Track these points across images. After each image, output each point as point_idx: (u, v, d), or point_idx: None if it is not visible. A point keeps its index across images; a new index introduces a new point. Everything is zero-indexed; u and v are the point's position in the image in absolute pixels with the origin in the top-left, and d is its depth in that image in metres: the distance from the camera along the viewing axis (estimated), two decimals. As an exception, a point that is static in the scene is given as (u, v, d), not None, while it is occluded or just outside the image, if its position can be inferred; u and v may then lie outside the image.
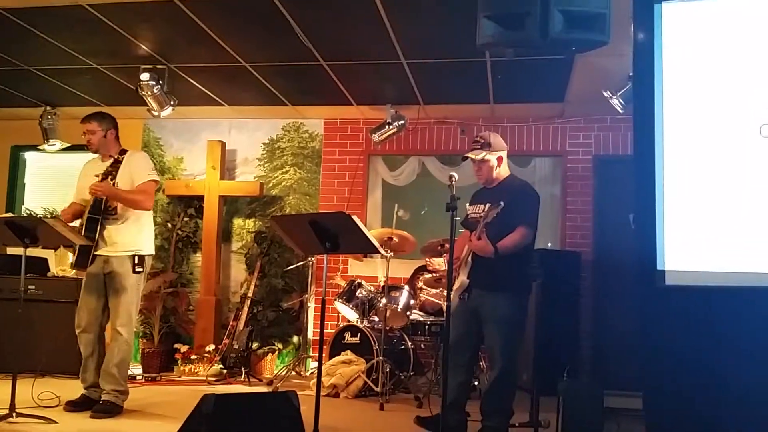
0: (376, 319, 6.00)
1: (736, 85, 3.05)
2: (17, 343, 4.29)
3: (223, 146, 7.25)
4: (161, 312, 6.85)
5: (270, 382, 6.04)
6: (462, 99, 6.51)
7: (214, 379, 6.09)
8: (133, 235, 4.55)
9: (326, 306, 4.02)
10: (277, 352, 6.74)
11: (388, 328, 5.71)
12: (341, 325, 6.13)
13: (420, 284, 6.19)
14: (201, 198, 7.18)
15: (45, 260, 6.34)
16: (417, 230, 6.26)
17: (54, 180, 7.72)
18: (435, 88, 6.17)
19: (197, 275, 7.26)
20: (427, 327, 5.96)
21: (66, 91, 6.58)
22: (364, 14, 4.60)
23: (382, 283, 6.00)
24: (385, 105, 6.63)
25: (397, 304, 5.84)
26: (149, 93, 5.82)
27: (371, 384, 5.43)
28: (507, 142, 4.50)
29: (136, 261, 4.52)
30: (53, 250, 6.39)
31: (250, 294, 6.75)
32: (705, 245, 3.03)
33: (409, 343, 5.95)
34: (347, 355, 5.70)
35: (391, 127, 6.65)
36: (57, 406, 4.46)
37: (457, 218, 3.85)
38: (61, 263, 6.45)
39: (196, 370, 6.35)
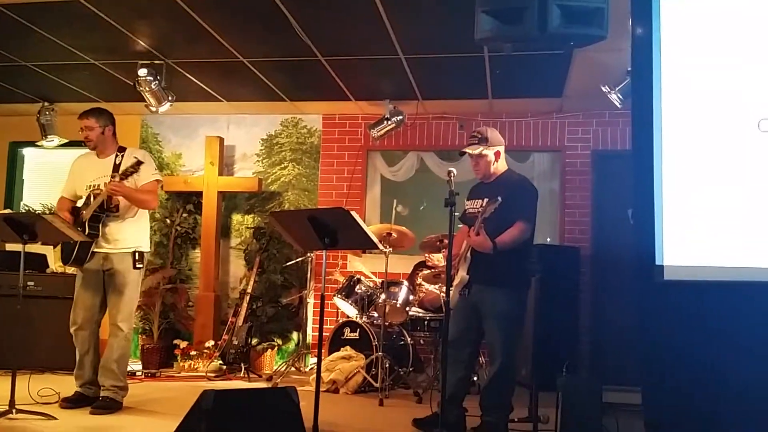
0: (376, 314, 6.01)
1: (734, 80, 3.05)
2: (16, 340, 4.29)
3: (221, 142, 7.25)
4: (160, 308, 6.85)
5: (269, 378, 6.05)
6: (460, 94, 6.50)
7: (213, 375, 6.10)
8: (133, 233, 4.56)
9: (325, 302, 4.01)
10: (276, 348, 6.75)
11: (387, 323, 5.72)
12: (340, 321, 6.13)
13: (419, 280, 6.19)
14: (200, 194, 7.17)
15: (44, 256, 6.34)
16: (416, 226, 6.26)
17: (52, 176, 7.70)
18: (433, 83, 6.16)
19: (196, 271, 7.26)
20: (426, 323, 5.96)
21: (64, 87, 6.57)
22: (362, 10, 4.59)
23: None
24: (384, 100, 6.62)
25: (397, 300, 5.85)
26: (147, 89, 5.82)
27: (370, 379, 5.44)
28: (505, 138, 4.50)
29: (137, 257, 4.53)
30: (52, 247, 6.38)
31: (249, 290, 6.75)
32: (704, 240, 3.03)
33: (409, 339, 5.96)
34: (346, 350, 5.71)
35: (389, 122, 6.65)
36: (56, 402, 4.47)
37: (456, 213, 3.85)
38: (60, 260, 6.44)
39: (195, 366, 6.35)
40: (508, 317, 4.08)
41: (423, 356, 6.50)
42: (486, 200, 3.97)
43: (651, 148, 3.08)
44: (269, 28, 4.99)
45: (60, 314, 4.75)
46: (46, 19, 4.99)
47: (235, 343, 6.36)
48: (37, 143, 7.33)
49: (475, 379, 5.35)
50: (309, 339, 6.89)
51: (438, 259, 5.94)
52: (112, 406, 4.39)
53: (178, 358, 6.46)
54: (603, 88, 5.44)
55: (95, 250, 4.45)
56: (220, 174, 7.18)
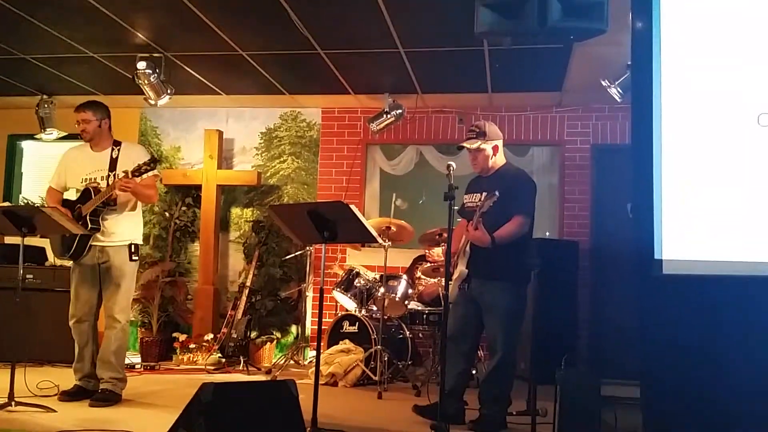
0: (375, 308, 6.01)
1: (734, 75, 3.05)
2: (15, 333, 4.29)
3: (220, 135, 7.24)
4: (159, 301, 6.86)
5: (268, 371, 6.05)
6: (460, 88, 6.49)
7: (212, 367, 6.11)
8: (129, 226, 4.57)
9: (324, 295, 4.02)
10: (275, 341, 6.76)
11: (386, 317, 5.72)
12: (339, 314, 6.14)
13: (418, 274, 6.20)
14: (199, 187, 7.17)
15: (43, 249, 6.33)
16: (415, 219, 6.26)
17: (51, 169, 7.64)
18: (433, 77, 6.15)
19: (195, 264, 7.26)
20: (425, 316, 5.97)
21: (63, 80, 6.56)
22: (361, 3, 4.58)
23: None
24: (383, 94, 6.61)
25: (396, 294, 5.85)
26: (146, 82, 5.81)
27: (369, 373, 5.45)
28: (505, 132, 4.50)
29: (133, 250, 4.55)
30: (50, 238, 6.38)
31: (248, 283, 6.75)
32: (703, 234, 3.03)
33: (408, 333, 5.97)
34: (345, 344, 5.71)
35: (389, 116, 6.64)
36: (56, 395, 4.47)
37: (455, 207, 3.85)
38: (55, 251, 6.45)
39: (194, 359, 6.36)
40: (507, 311, 4.09)
41: (422, 350, 6.51)
42: (484, 194, 3.98)
43: (650, 143, 3.08)
44: (268, 21, 4.97)
45: (59, 307, 4.75)
46: (45, 12, 4.98)
47: (234, 336, 6.37)
48: (35, 136, 7.33)
49: (474, 372, 5.36)
50: (308, 332, 6.90)
51: (437, 253, 5.94)
52: (111, 399, 4.40)
53: (177, 351, 6.46)
54: (603, 82, 5.44)
55: (92, 243, 4.45)
56: (219, 167, 7.18)
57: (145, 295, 6.84)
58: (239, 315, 6.57)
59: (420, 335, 6.60)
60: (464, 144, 4.28)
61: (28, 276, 5.79)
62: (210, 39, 5.30)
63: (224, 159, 7.33)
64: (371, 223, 5.09)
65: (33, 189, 7.68)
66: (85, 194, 4.47)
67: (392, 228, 5.87)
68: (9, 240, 5.85)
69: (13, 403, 4.03)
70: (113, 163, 4.51)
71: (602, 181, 6.70)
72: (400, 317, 6.04)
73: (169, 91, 6.01)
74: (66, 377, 4.66)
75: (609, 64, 5.21)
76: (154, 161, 4.37)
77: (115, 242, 4.50)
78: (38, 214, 4.26)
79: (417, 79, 6.20)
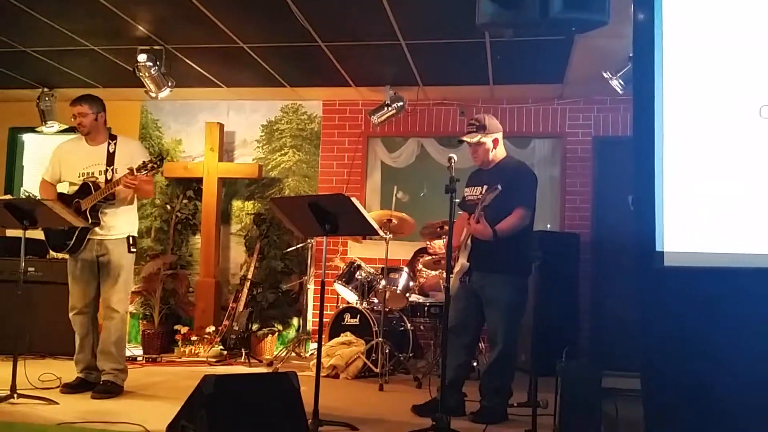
0: (376, 300, 6.02)
1: (736, 66, 3.04)
2: (17, 325, 4.30)
3: (221, 128, 7.23)
4: (161, 294, 6.87)
5: (270, 363, 6.07)
6: (461, 80, 6.48)
7: (214, 360, 6.12)
8: (127, 219, 4.61)
9: (326, 288, 4.03)
10: (276, 334, 6.78)
11: (387, 309, 5.73)
12: (341, 307, 6.15)
13: (419, 266, 6.20)
14: (200, 180, 7.17)
15: (44, 242, 6.32)
16: (416, 212, 6.26)
17: (52, 162, 7.70)
18: (434, 69, 6.14)
19: (196, 257, 7.27)
20: (426, 309, 5.98)
21: (63, 73, 6.55)
22: (362, -6, 4.57)
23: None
24: (384, 86, 6.60)
25: (397, 286, 5.86)
26: (147, 74, 5.80)
27: (371, 365, 5.46)
28: (506, 124, 4.51)
29: (131, 242, 4.58)
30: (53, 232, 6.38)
31: (249, 276, 6.76)
32: (704, 226, 3.03)
33: (409, 325, 5.98)
34: (347, 336, 5.73)
35: (390, 108, 6.63)
36: (57, 387, 4.49)
37: (456, 200, 3.85)
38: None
39: (196, 352, 6.37)
40: (508, 304, 4.10)
41: (423, 342, 6.52)
42: (485, 187, 3.98)
43: (652, 134, 3.07)
44: (269, 13, 4.96)
45: (60, 299, 4.76)
46: (46, 5, 4.97)
47: (236, 328, 6.38)
48: (36, 129, 7.33)
49: (475, 364, 5.37)
50: (309, 325, 6.91)
51: (439, 245, 5.94)
52: (113, 390, 4.42)
53: (179, 343, 6.48)
54: (604, 74, 5.43)
55: (89, 237, 4.47)
56: (220, 160, 7.17)
57: (147, 287, 6.85)
58: (241, 307, 6.58)
59: (421, 327, 6.61)
60: (464, 138, 4.28)
61: (29, 269, 5.81)
62: (210, 31, 5.29)
63: (225, 152, 7.32)
64: (372, 215, 5.08)
65: (34, 182, 7.63)
66: (84, 189, 4.48)
67: (393, 220, 5.88)
68: (10, 233, 5.86)
69: (15, 395, 4.05)
70: (110, 158, 4.52)
71: (603, 173, 6.69)
72: (402, 309, 6.05)
73: (169, 84, 6.01)
74: (68, 369, 4.68)
75: (611, 55, 5.19)
76: (161, 159, 4.41)
77: (114, 235, 4.52)
78: (40, 207, 4.27)
79: (418, 72, 6.19)
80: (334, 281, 6.23)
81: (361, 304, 6.01)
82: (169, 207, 7.30)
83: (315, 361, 3.86)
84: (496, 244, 3.99)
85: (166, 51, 5.78)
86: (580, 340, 6.30)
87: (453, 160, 3.83)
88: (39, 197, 4.73)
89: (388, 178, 7.18)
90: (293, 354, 6.38)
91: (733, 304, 2.96)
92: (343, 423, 3.75)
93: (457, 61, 5.91)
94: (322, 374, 3.89)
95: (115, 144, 4.57)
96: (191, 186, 7.30)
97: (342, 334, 5.77)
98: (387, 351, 5.39)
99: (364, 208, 4.15)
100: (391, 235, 5.79)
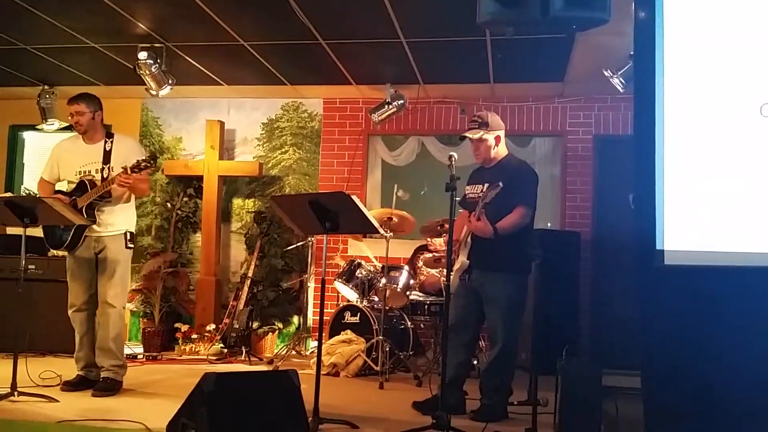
0: (376, 298, 6.02)
1: (737, 65, 3.03)
2: (18, 323, 4.30)
3: (221, 126, 7.23)
4: (161, 292, 6.87)
5: (270, 361, 6.07)
6: (462, 78, 6.47)
7: (214, 358, 6.13)
8: (124, 217, 4.62)
9: (326, 286, 4.03)
10: (277, 332, 6.78)
11: (387, 307, 5.73)
12: (341, 305, 6.15)
13: (420, 264, 6.20)
14: (200, 178, 7.17)
15: (44, 240, 6.33)
16: (417, 210, 6.26)
17: (53, 160, 7.69)
18: (435, 67, 6.13)
19: (197, 255, 7.27)
20: (426, 307, 5.98)
21: (64, 71, 6.55)
22: (363, -8, 4.57)
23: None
24: (385, 84, 6.60)
25: (397, 284, 5.86)
26: (147, 72, 5.80)
27: (371, 363, 5.46)
28: (507, 122, 4.50)
29: (128, 237, 4.59)
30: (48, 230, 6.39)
31: (250, 274, 6.76)
32: (705, 225, 3.03)
33: (409, 323, 5.98)
34: (347, 334, 5.73)
35: (390, 106, 6.63)
36: (58, 385, 4.50)
37: (457, 198, 3.85)
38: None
39: (197, 350, 6.38)
40: (508, 302, 4.10)
41: (423, 340, 6.52)
42: (486, 185, 3.98)
43: (653, 133, 3.07)
44: (269, 11, 4.96)
45: (61, 297, 4.76)
46: (46, 2, 4.96)
47: (236, 326, 6.38)
48: (37, 127, 7.33)
49: (475, 362, 5.37)
50: (310, 323, 6.92)
51: (439, 243, 5.93)
52: (113, 387, 4.43)
53: (180, 341, 6.48)
54: (605, 73, 5.42)
55: (87, 234, 4.48)
56: (221, 158, 7.18)
57: (147, 285, 6.86)
58: (241, 305, 6.59)
59: (421, 326, 6.61)
60: (466, 134, 4.28)
61: (30, 266, 5.82)
62: (211, 29, 5.29)
63: (226, 150, 7.32)
64: (373, 213, 5.08)
65: (34, 180, 7.61)
66: (81, 186, 4.49)
67: (394, 219, 5.87)
68: (11, 231, 5.86)
69: (15, 393, 4.05)
70: (107, 156, 4.53)
71: (604, 171, 6.69)
72: (402, 308, 6.05)
73: (170, 82, 6.01)
74: (68, 367, 4.68)
75: (611, 54, 5.19)
76: (154, 158, 4.40)
77: (111, 232, 4.54)
78: (40, 204, 4.27)
79: (419, 70, 6.18)
80: (335, 279, 6.23)
81: (362, 302, 6.01)
82: (169, 205, 7.30)
83: (315, 359, 3.86)
84: (497, 242, 3.99)
85: (166, 49, 5.78)
86: (580, 339, 6.31)
87: (453, 159, 3.82)
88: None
89: (389, 176, 7.18)
90: (293, 352, 6.38)
91: (734, 303, 2.96)
92: (343, 421, 3.75)
93: (457, 59, 5.90)
94: (322, 372, 3.90)
95: (111, 142, 4.58)
96: (192, 184, 7.30)
97: (342, 333, 5.77)
98: (387, 349, 5.39)
99: (365, 206, 4.15)
100: (391, 233, 5.79)
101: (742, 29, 3.05)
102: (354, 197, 3.65)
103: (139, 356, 6.13)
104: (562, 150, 6.84)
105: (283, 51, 5.87)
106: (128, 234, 4.60)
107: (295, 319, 7.02)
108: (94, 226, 4.49)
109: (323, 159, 7.25)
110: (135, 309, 6.96)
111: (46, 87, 7.04)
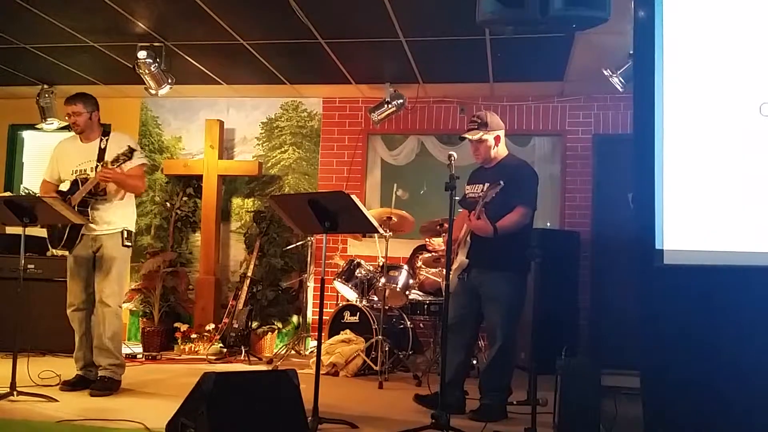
0: (375, 298, 6.02)
1: (736, 64, 3.04)
2: (17, 322, 4.30)
3: (221, 125, 7.23)
4: (161, 291, 6.86)
5: (270, 361, 6.07)
6: (461, 77, 6.47)
7: (214, 357, 6.12)
8: (122, 215, 4.59)
9: (325, 285, 4.02)
10: (276, 331, 6.78)
11: (387, 307, 5.73)
12: (340, 305, 6.15)
13: (419, 264, 6.20)
14: (199, 177, 7.16)
15: (44, 239, 6.30)
16: (416, 210, 6.26)
17: (52, 159, 7.69)
18: (434, 66, 6.13)
19: (196, 255, 7.27)
20: (426, 306, 5.97)
21: (63, 70, 6.54)
22: (362, -8, 4.56)
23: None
24: (384, 84, 6.59)
25: (396, 284, 5.85)
26: (146, 71, 5.80)
27: (370, 363, 5.46)
28: (506, 121, 4.49)
29: (125, 236, 4.57)
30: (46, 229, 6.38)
31: (249, 273, 6.76)
32: (704, 225, 3.03)
33: (408, 323, 5.98)
34: (346, 334, 5.72)
35: (390, 106, 6.62)
36: (57, 384, 4.49)
37: (456, 198, 3.85)
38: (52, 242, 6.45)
39: (196, 349, 6.38)
40: (507, 301, 4.10)
41: (422, 339, 6.52)
42: (487, 185, 3.98)
43: (652, 133, 3.07)
44: (269, 10, 4.95)
45: (60, 297, 4.76)
46: (46, 1, 4.96)
47: (236, 326, 6.38)
48: (36, 126, 7.32)
49: (475, 362, 5.37)
50: (309, 322, 6.91)
51: (438, 243, 5.93)
52: (111, 387, 4.42)
53: (179, 340, 6.48)
54: (605, 72, 5.42)
55: (84, 232, 4.48)
56: (220, 157, 7.17)
57: (147, 285, 6.85)
58: (240, 305, 6.58)
59: (421, 325, 6.61)
60: (466, 135, 4.28)
61: (29, 266, 5.80)
62: (210, 28, 5.29)
63: (225, 149, 7.32)
64: (372, 213, 5.08)
65: (34, 179, 7.65)
66: (74, 185, 4.51)
67: (393, 218, 5.87)
68: (10, 230, 5.86)
69: (14, 392, 4.04)
70: (101, 154, 4.54)
71: (604, 171, 6.69)
72: (401, 307, 6.05)
73: (169, 81, 6.01)
74: (67, 367, 4.68)
75: (611, 53, 5.19)
76: (131, 151, 4.38)
77: (108, 230, 4.52)
78: (39, 204, 4.26)
79: (418, 69, 6.18)
80: (334, 279, 6.22)
81: (361, 301, 6.01)
82: (168, 204, 7.30)
83: (315, 358, 3.85)
84: (496, 241, 3.99)
85: (166, 48, 5.78)
86: (579, 339, 6.30)
87: (453, 158, 3.82)
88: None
89: (388, 175, 7.18)
90: (293, 352, 6.38)
91: (733, 302, 2.96)
92: (342, 420, 3.75)
93: (457, 59, 5.90)
94: (321, 372, 3.89)
95: (106, 140, 4.58)
96: (191, 183, 7.30)
97: (342, 332, 5.77)
98: (386, 349, 5.39)
99: (364, 205, 4.14)
100: (390, 233, 5.79)
101: (742, 28, 3.05)
102: (353, 197, 3.64)
103: (138, 356, 6.13)
104: (562, 149, 6.84)
105: (283, 50, 5.87)
106: (125, 232, 4.57)
107: (295, 318, 7.02)
108: (92, 225, 4.48)
109: (323, 158, 7.24)
110: (134, 309, 6.96)
111: (45, 86, 7.04)
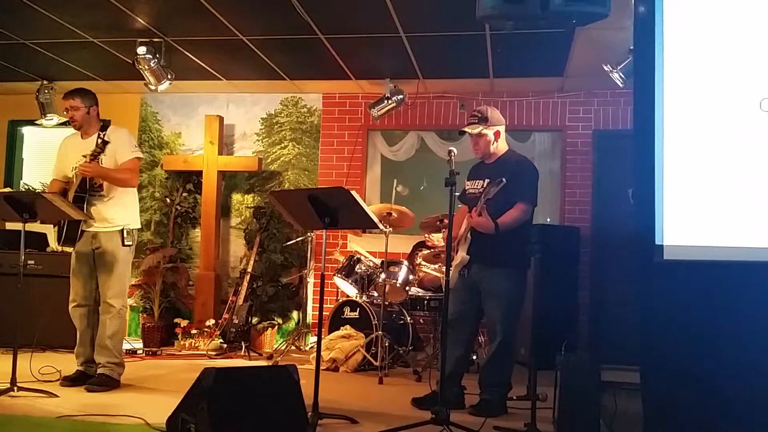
0: (375, 294, 6.02)
1: (736, 59, 3.03)
2: (17, 318, 4.30)
3: (221, 121, 7.22)
4: (161, 287, 6.86)
5: (270, 357, 6.08)
6: (461, 73, 6.46)
7: (214, 353, 6.13)
8: (121, 211, 4.57)
9: (325, 281, 4.03)
10: (276, 327, 6.78)
11: (387, 303, 5.73)
12: (340, 300, 6.15)
13: (419, 260, 6.20)
14: (199, 173, 7.16)
15: (44, 235, 6.34)
16: (416, 205, 6.26)
17: (52, 155, 7.52)
18: (434, 62, 6.12)
19: (196, 250, 7.27)
20: (426, 302, 5.98)
21: (63, 66, 6.53)
22: (362, -13, 4.55)
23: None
24: (384, 79, 6.58)
25: (396, 280, 5.86)
26: (146, 67, 5.79)
27: (370, 358, 5.46)
28: (506, 117, 4.49)
29: (125, 234, 4.54)
30: (52, 226, 6.38)
31: (249, 269, 6.76)
32: (704, 220, 3.03)
33: (408, 318, 5.98)
34: (346, 329, 5.73)
35: (390, 101, 6.61)
36: (58, 380, 4.50)
37: (456, 193, 3.85)
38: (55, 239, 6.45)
39: (196, 345, 6.39)
40: (507, 296, 4.11)
41: (422, 335, 6.53)
42: (487, 181, 3.98)
43: (652, 128, 3.07)
44: (269, 5, 4.94)
45: (60, 292, 4.77)
46: (44, -4, 4.96)
47: (236, 322, 6.38)
48: (36, 122, 7.32)
49: (474, 357, 5.38)
50: (309, 318, 6.92)
51: (438, 239, 5.94)
52: (108, 384, 4.42)
53: (179, 336, 6.49)
54: (605, 67, 5.41)
55: (84, 229, 4.48)
56: (220, 153, 7.16)
57: (147, 281, 6.85)
58: (240, 301, 6.59)
59: (421, 321, 6.61)
60: (465, 129, 4.28)
61: (29, 262, 5.82)
62: (210, 23, 5.28)
63: (225, 145, 7.31)
64: (372, 209, 5.08)
65: (34, 175, 7.67)
66: (70, 182, 4.53)
67: (393, 214, 5.87)
68: (10, 226, 5.86)
69: (15, 388, 4.05)
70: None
71: (604, 166, 6.68)
72: (401, 303, 6.05)
73: (169, 77, 6.01)
74: (68, 362, 4.68)
75: (611, 48, 5.18)
76: (104, 143, 4.40)
77: (107, 228, 4.51)
78: (39, 199, 4.26)
79: (418, 64, 6.17)
80: (334, 275, 6.23)
81: (361, 297, 6.02)
82: (168, 200, 7.30)
83: (315, 354, 3.86)
84: (496, 237, 3.99)
85: (165, 43, 5.77)
86: (579, 334, 6.30)
87: (453, 154, 3.82)
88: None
89: (388, 171, 7.18)
90: (293, 347, 6.38)
91: (733, 298, 2.96)
92: (342, 416, 3.75)
93: (457, 54, 5.89)
94: (321, 367, 3.89)
95: (104, 135, 4.57)
96: (191, 179, 7.29)
97: (342, 328, 5.78)
98: (386, 344, 5.40)
99: (364, 201, 4.14)
100: (390, 229, 5.79)
101: (742, 24, 3.04)
102: (353, 192, 3.64)
103: (138, 351, 6.14)
104: (562, 145, 6.84)
105: (283, 46, 5.86)
106: (124, 231, 4.54)
107: (295, 314, 7.02)
108: (92, 222, 4.48)
109: (322, 154, 7.24)
110: (134, 304, 6.96)
111: (44, 82, 7.03)
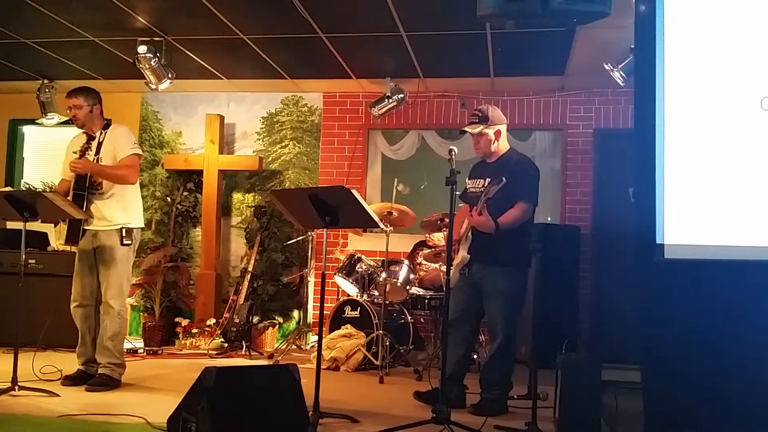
0: (376, 293, 6.02)
1: (737, 58, 3.03)
2: (18, 317, 4.30)
3: (221, 120, 7.22)
4: (162, 286, 6.87)
5: (271, 356, 6.08)
6: (462, 72, 6.46)
7: (215, 352, 6.13)
8: (121, 210, 4.55)
9: (326, 280, 4.02)
10: (277, 326, 6.78)
11: (387, 302, 5.73)
12: (341, 300, 6.15)
13: (420, 259, 6.20)
14: (200, 172, 7.16)
15: (45, 234, 6.34)
16: (417, 204, 6.25)
17: (52, 154, 7.64)
18: (435, 60, 6.12)
19: (197, 249, 7.27)
20: (426, 301, 5.98)
21: (64, 65, 6.53)
22: (363, -14, 4.55)
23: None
24: (385, 78, 6.58)
25: (397, 279, 5.86)
26: (147, 66, 5.79)
27: (371, 357, 5.46)
28: (507, 116, 4.48)
29: (124, 234, 4.52)
30: (53, 225, 6.39)
31: (250, 268, 6.76)
32: (704, 219, 3.03)
33: (409, 317, 5.98)
34: (347, 328, 5.73)
35: (390, 100, 6.61)
36: (59, 379, 4.50)
37: (457, 192, 3.84)
38: (61, 237, 6.45)
39: (197, 344, 6.39)
40: (508, 296, 4.10)
41: (423, 334, 6.53)
42: (488, 180, 3.98)
43: (653, 127, 3.07)
44: (269, 4, 4.94)
45: (61, 292, 4.77)
46: (45, -4, 4.96)
47: (237, 321, 6.39)
48: (37, 121, 7.31)
49: (475, 356, 5.38)
50: (310, 317, 6.92)
51: (438, 238, 5.94)
52: (108, 383, 4.41)
53: (180, 335, 6.49)
54: (606, 66, 5.41)
55: (85, 227, 4.47)
56: (221, 152, 7.17)
57: (148, 280, 6.85)
58: (241, 300, 6.59)
59: (421, 320, 6.61)
60: (466, 128, 4.28)
61: (30, 261, 5.81)
62: (211, 22, 5.27)
63: (225, 144, 7.31)
64: (373, 208, 5.08)
65: (34, 174, 7.68)
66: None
67: (394, 213, 5.87)
68: (11, 225, 5.86)
69: (16, 387, 4.05)
70: (99, 147, 4.53)
71: (604, 165, 6.68)
72: (402, 302, 6.05)
73: (169, 76, 6.01)
74: (69, 362, 4.68)
75: (612, 47, 5.18)
76: (90, 139, 4.46)
77: (106, 226, 4.50)
78: (40, 198, 4.27)
79: (419, 63, 6.17)
80: (335, 274, 6.22)
81: (362, 296, 6.01)
82: (169, 199, 7.29)
83: (315, 353, 3.86)
84: (497, 236, 3.99)
85: (166, 42, 5.77)
86: (580, 333, 6.31)
87: (453, 153, 3.81)
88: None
89: (389, 170, 7.18)
90: (294, 346, 6.39)
91: (734, 297, 2.96)
92: (343, 415, 3.76)
93: (458, 53, 5.89)
94: (322, 367, 3.90)
95: (105, 133, 4.57)
96: (191, 178, 7.29)
97: (342, 327, 5.78)
98: (387, 343, 5.40)
99: (365, 200, 4.14)
100: (391, 228, 5.79)
101: (743, 23, 3.04)
102: (354, 191, 3.64)
103: (139, 351, 6.14)
104: (563, 144, 6.83)
105: (283, 45, 5.86)
106: (124, 230, 4.52)
107: (296, 313, 7.02)
108: (92, 220, 4.48)
109: (323, 153, 7.24)
110: (135, 303, 6.96)
111: (45, 81, 7.03)
